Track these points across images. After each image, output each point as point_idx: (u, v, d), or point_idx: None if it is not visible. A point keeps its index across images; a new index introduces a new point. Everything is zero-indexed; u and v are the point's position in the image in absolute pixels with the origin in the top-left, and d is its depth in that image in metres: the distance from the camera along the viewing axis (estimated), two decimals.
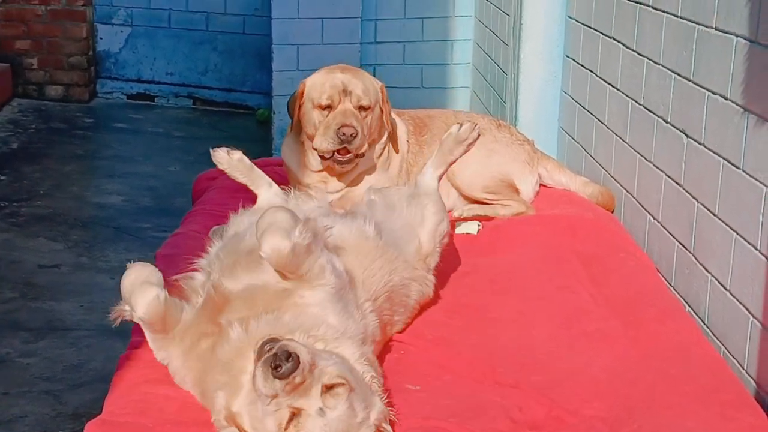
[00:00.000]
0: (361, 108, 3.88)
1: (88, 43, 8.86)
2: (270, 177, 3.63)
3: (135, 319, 2.67)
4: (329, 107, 3.87)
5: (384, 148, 4.13)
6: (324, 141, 3.84)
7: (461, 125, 3.47)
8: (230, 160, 3.57)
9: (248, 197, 4.21)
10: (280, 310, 2.57)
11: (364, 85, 3.90)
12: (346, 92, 3.86)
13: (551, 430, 2.55)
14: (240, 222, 3.14)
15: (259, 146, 7.64)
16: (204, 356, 2.58)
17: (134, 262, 2.77)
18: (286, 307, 2.59)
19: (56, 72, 8.75)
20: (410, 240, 3.24)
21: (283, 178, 4.16)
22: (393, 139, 4.16)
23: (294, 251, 2.56)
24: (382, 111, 4.00)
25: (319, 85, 3.90)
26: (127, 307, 2.66)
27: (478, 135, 3.52)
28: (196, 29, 8.96)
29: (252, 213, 3.18)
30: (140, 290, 2.65)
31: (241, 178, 3.59)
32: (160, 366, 2.81)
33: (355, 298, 2.77)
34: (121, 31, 9.07)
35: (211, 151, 3.59)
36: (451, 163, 3.52)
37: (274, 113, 7.36)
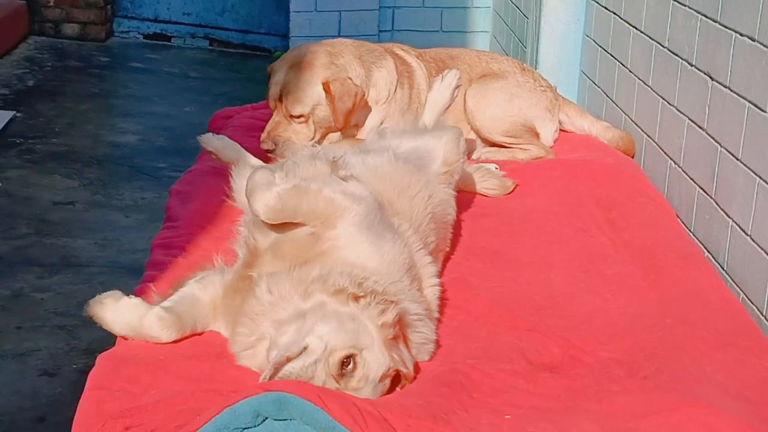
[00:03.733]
0: (295, 116, 3.83)
1: None
2: None
3: None
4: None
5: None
6: (263, 142, 3.85)
7: (442, 77, 3.65)
8: (220, 144, 3.59)
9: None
10: (309, 263, 2.49)
11: (298, 94, 3.80)
12: (281, 99, 3.84)
13: (568, 370, 2.52)
14: None
15: None
16: (234, 311, 2.54)
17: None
18: (314, 258, 2.51)
19: (73, 10, 8.67)
20: (433, 157, 3.20)
21: None
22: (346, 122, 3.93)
23: (281, 198, 2.51)
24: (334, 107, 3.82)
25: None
26: None
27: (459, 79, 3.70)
28: None
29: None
30: None
31: (229, 159, 3.54)
32: None
33: (390, 223, 2.68)
34: None
35: (198, 138, 3.66)
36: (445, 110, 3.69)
37: None
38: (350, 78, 3.85)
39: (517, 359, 2.52)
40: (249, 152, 3.64)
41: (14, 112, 6.67)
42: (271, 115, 3.93)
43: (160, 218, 4.83)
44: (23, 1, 8.49)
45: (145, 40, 9.02)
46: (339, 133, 3.93)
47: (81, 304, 4.42)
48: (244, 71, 8.38)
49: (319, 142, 3.89)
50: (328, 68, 3.83)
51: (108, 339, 4.02)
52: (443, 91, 3.66)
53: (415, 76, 4.21)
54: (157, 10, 9.02)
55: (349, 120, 3.84)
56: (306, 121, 3.83)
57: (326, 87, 3.78)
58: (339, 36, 7.19)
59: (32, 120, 6.66)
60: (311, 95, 3.81)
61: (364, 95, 3.89)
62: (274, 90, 3.86)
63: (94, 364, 3.82)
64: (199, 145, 3.70)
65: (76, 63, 8.14)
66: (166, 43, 9.00)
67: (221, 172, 3.78)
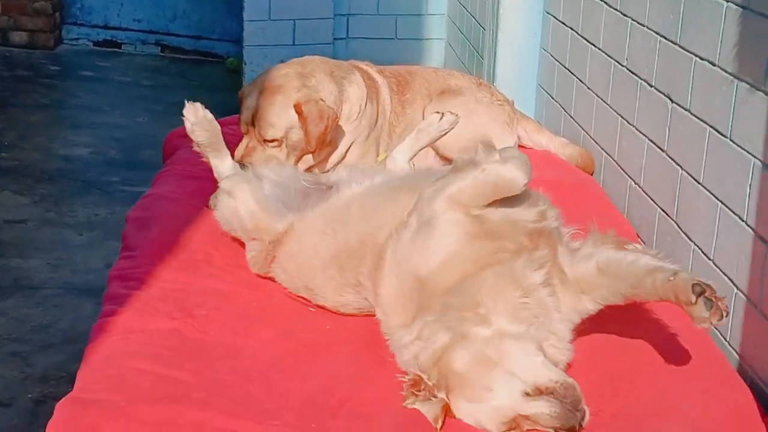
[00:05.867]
0: (268, 140, 3.77)
1: None
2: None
3: None
4: None
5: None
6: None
7: (442, 116, 3.56)
8: (201, 116, 3.46)
9: None
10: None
11: (270, 118, 3.74)
12: (253, 123, 3.78)
13: None
14: None
15: (229, 96, 7.45)
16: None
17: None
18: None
19: (20, 17, 8.52)
20: None
21: None
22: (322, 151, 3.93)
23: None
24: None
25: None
26: None
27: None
28: None
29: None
30: None
31: (202, 140, 3.46)
32: (135, 337, 2.75)
33: None
34: None
35: (186, 102, 3.50)
36: (420, 150, 3.62)
37: (245, 64, 7.21)
38: (323, 99, 3.81)
39: None
40: (210, 173, 3.56)
41: None
42: (238, 136, 3.88)
43: (114, 236, 4.76)
44: None
45: (95, 48, 8.89)
46: (311, 155, 3.89)
47: (35, 329, 4.35)
48: (197, 78, 8.29)
49: (294, 165, 3.84)
50: (300, 90, 3.78)
51: (63, 365, 3.98)
52: (436, 130, 3.58)
53: (381, 92, 4.19)
54: (107, 16, 8.89)
55: (322, 142, 3.79)
56: (279, 145, 3.77)
57: (299, 110, 3.73)
58: (293, 45, 7.18)
59: None
60: (284, 119, 3.75)
61: (336, 117, 3.84)
62: (246, 115, 3.80)
63: (49, 393, 3.79)
64: (151, 158, 3.62)
65: (25, 72, 8.00)
66: (116, 50, 8.89)
67: (179, 197, 3.73)
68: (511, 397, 2.32)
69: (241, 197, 3.24)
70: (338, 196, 3.11)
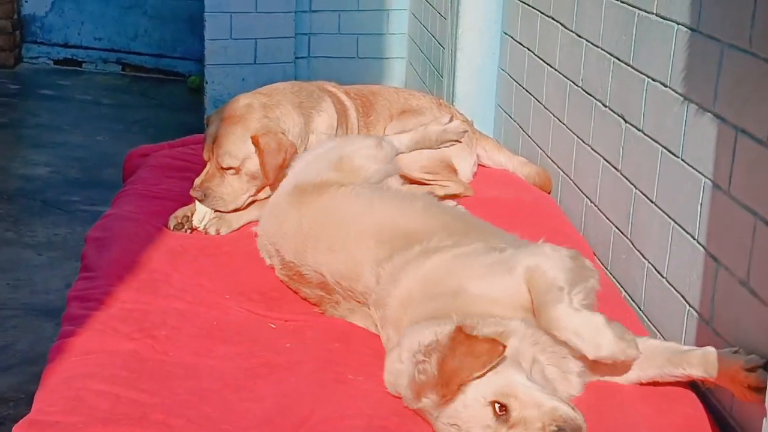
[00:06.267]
0: (225, 168, 3.81)
1: (12, 6, 8.60)
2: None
3: None
4: None
5: None
6: (193, 190, 3.82)
7: (450, 119, 3.83)
8: None
9: (180, 176, 4.14)
10: None
11: (228, 146, 3.78)
12: (214, 150, 3.82)
13: None
14: None
15: (191, 115, 7.52)
16: None
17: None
18: None
19: None
20: None
21: None
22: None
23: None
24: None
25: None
26: None
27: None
28: None
29: None
30: None
31: None
32: (93, 358, 2.74)
33: None
34: None
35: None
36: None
37: (206, 83, 7.21)
38: (283, 133, 3.83)
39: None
40: (169, 192, 3.58)
41: None
42: (196, 157, 3.91)
43: (74, 256, 4.74)
44: None
45: (56, 66, 8.87)
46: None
47: None
48: (158, 97, 8.28)
49: (253, 195, 3.87)
50: (260, 122, 3.81)
51: (21, 387, 3.95)
52: (442, 134, 3.83)
53: (349, 116, 4.24)
54: (68, 35, 8.87)
55: (279, 175, 3.81)
56: (237, 173, 3.80)
57: (255, 141, 3.76)
58: (255, 63, 7.20)
59: None
60: (241, 149, 3.78)
61: (295, 151, 3.86)
62: (207, 141, 3.85)
63: (8, 416, 3.76)
64: (112, 177, 3.66)
65: None
66: (77, 68, 8.87)
67: (138, 217, 3.73)
68: None
69: None
70: None
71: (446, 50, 5.52)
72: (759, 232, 2.53)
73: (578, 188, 3.98)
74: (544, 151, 4.41)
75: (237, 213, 3.83)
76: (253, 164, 3.78)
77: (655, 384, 2.70)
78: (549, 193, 4.31)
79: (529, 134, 4.62)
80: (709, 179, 2.84)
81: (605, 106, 3.68)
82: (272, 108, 3.87)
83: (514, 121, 4.86)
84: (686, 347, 2.69)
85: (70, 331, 2.92)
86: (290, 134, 3.86)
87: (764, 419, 1.90)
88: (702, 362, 2.58)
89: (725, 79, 2.73)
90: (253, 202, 3.91)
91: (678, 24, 3.06)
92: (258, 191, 3.86)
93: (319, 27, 7.45)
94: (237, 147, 3.77)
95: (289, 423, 2.51)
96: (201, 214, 3.77)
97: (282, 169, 3.77)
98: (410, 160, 4.24)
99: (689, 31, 2.98)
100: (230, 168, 3.79)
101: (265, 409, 2.56)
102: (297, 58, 7.39)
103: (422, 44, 6.61)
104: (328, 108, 4.07)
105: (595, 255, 3.71)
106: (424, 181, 4.25)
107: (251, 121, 3.80)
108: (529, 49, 4.62)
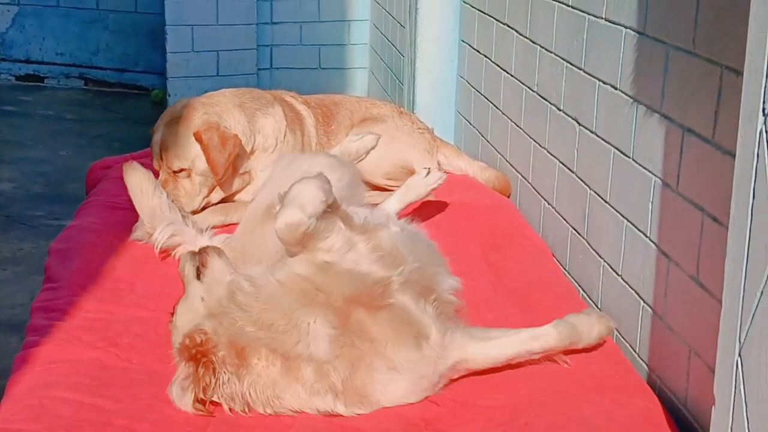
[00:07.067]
0: (176, 171, 3.89)
1: None
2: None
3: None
4: None
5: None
6: None
7: (428, 171, 3.68)
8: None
9: None
10: None
11: (175, 149, 3.86)
12: (163, 157, 3.91)
13: (449, 422, 2.57)
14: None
15: None
16: None
17: None
18: None
19: None
20: None
21: None
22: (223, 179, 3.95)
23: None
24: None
25: None
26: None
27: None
28: (86, 8, 8.76)
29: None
30: None
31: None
32: (57, 367, 2.76)
33: None
34: (8, 10, 8.80)
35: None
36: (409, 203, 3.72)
37: (169, 96, 7.24)
38: (225, 127, 3.89)
39: (394, 418, 2.57)
40: (132, 203, 3.60)
41: None
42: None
43: (39, 270, 4.73)
44: None
45: (18, 82, 8.85)
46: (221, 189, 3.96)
47: None
48: (121, 111, 8.28)
49: (206, 196, 3.92)
50: (200, 118, 3.90)
51: None
52: (423, 187, 3.69)
53: (306, 124, 4.29)
54: (29, 50, 8.85)
55: (229, 171, 3.85)
56: (189, 175, 3.85)
57: (198, 137, 3.82)
58: (217, 76, 7.24)
59: None
60: (188, 148, 3.84)
61: (239, 142, 3.92)
62: (155, 149, 3.91)
63: None
64: (76, 192, 3.68)
65: None
66: (39, 84, 8.85)
67: (101, 228, 3.76)
68: None
69: None
70: None
71: (406, 59, 5.59)
72: (706, 227, 2.61)
73: (536, 191, 4.05)
74: (502, 156, 4.48)
75: (200, 218, 3.87)
76: (203, 163, 3.85)
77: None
78: (508, 196, 4.38)
79: (488, 140, 4.69)
80: (659, 178, 2.91)
81: (559, 110, 3.75)
82: (212, 106, 3.96)
83: (474, 127, 4.93)
84: None
85: (34, 341, 2.94)
86: (233, 130, 3.92)
87: (713, 408, 1.96)
88: None
89: (671, 79, 2.80)
90: (208, 204, 3.96)
91: (626, 28, 3.14)
92: (210, 191, 3.92)
93: (281, 38, 7.50)
94: (183, 148, 3.84)
95: (250, 419, 2.54)
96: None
97: (230, 163, 3.83)
98: (373, 167, 4.29)
99: (636, 35, 3.06)
100: (182, 170, 3.86)
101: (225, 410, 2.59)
102: (259, 69, 7.44)
103: (383, 54, 6.68)
104: (276, 113, 4.13)
105: (554, 256, 3.78)
106: (387, 187, 4.30)
107: (192, 119, 3.88)
108: (486, 56, 4.69)
